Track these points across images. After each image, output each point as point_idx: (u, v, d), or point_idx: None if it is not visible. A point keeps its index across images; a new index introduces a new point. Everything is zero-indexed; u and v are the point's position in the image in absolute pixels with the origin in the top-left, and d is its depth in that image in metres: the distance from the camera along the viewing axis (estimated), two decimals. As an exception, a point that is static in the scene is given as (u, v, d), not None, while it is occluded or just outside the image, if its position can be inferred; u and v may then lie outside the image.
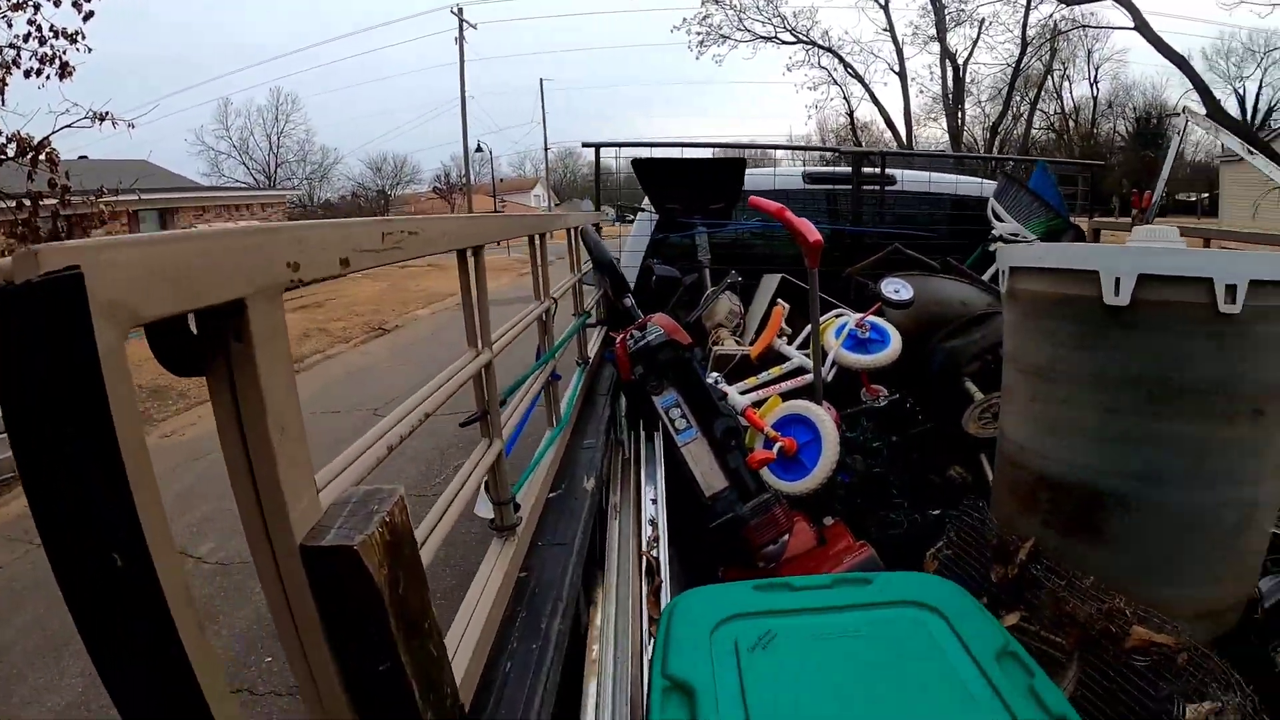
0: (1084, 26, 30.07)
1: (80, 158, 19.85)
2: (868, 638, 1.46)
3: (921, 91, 34.29)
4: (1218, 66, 46.82)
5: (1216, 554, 1.93)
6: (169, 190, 26.54)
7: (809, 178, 5.02)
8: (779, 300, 3.98)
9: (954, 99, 32.09)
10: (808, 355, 3.47)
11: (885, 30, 32.34)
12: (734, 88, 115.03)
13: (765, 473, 2.84)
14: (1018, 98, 35.94)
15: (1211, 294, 1.76)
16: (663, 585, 2.19)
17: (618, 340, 3.15)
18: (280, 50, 77.60)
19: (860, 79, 32.76)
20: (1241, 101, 49.88)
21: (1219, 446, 1.87)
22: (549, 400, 2.54)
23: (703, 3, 30.24)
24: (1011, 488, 2.24)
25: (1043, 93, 43.97)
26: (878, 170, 5.01)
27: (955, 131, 32.12)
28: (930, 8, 30.95)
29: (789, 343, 3.78)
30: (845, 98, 34.06)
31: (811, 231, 3.02)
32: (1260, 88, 47.49)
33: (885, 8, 31.94)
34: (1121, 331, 1.89)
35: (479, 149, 40.00)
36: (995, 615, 1.68)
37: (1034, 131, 49.99)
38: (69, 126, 8.33)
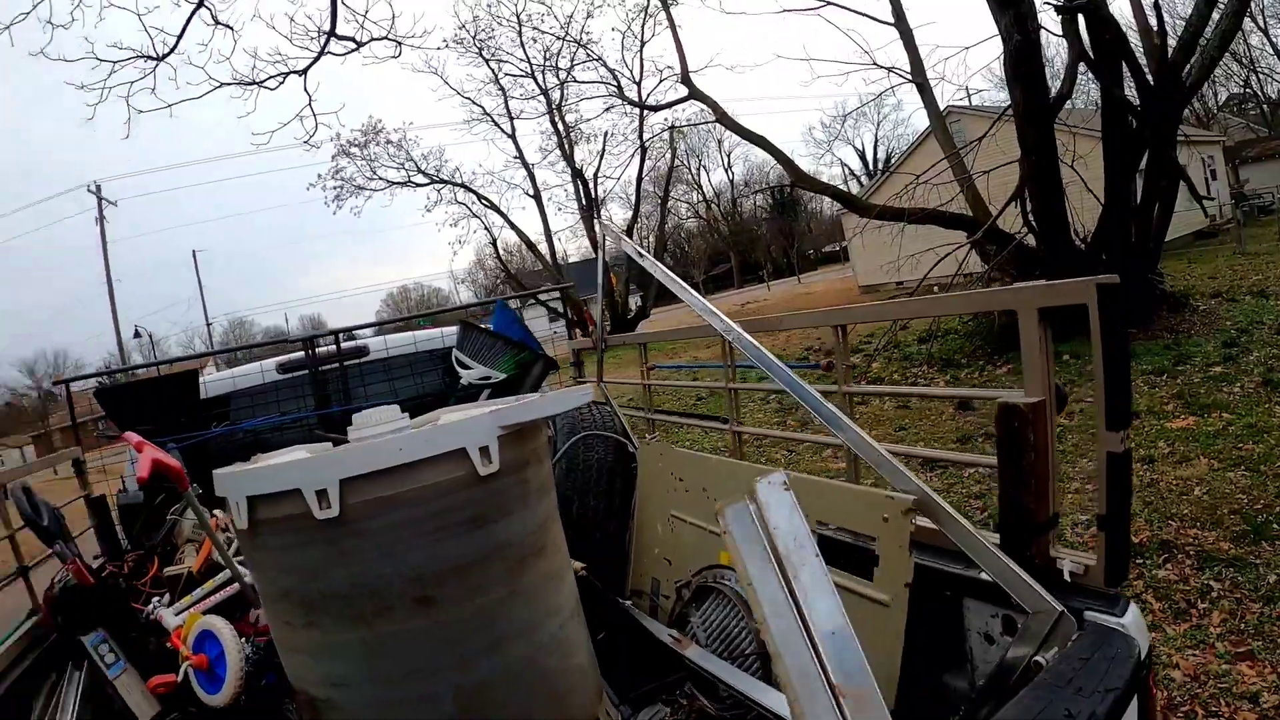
0: (690, 125, 33.70)
1: None
2: None
3: (560, 209, 36.38)
4: (833, 130, 54.91)
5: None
6: None
7: (282, 368, 5.06)
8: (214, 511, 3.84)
9: (589, 211, 34.40)
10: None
11: (516, 158, 34.42)
12: (393, 230, 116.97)
13: (196, 688, 2.85)
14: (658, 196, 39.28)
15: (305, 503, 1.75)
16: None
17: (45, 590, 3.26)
18: None
19: (495, 208, 34.34)
20: (862, 155, 59.08)
21: (390, 642, 1.86)
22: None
23: (333, 157, 30.77)
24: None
25: (684, 185, 48.18)
26: (359, 345, 5.26)
27: (595, 241, 34.05)
28: (553, 131, 33.25)
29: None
30: (486, 228, 35.42)
31: (143, 465, 2.96)
32: (876, 141, 56.37)
33: (513, 136, 33.96)
34: (255, 553, 1.95)
35: (137, 334, 37.21)
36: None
37: (684, 220, 54.49)
38: None
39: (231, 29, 11.15)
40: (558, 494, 3.71)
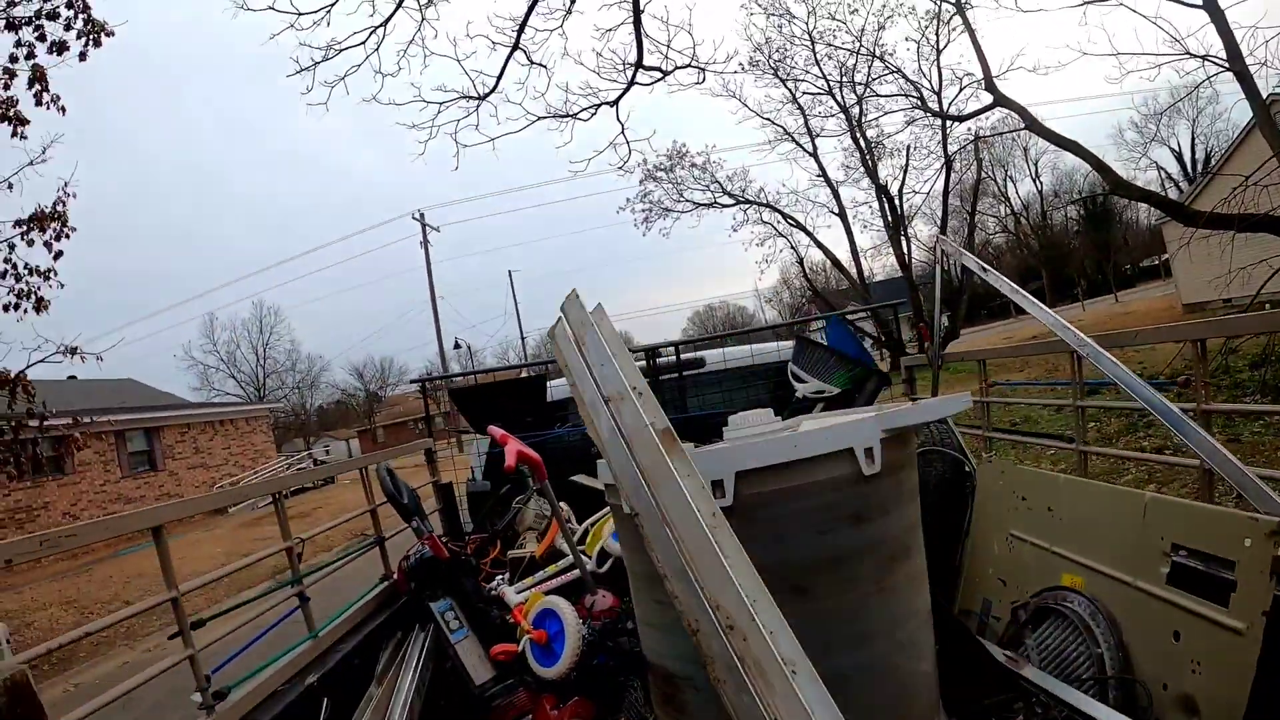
0: (995, 134, 31.17)
1: (69, 378, 20.81)
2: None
3: (865, 227, 35.50)
4: (1148, 130, 49.28)
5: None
6: (153, 409, 27.38)
7: None
8: (561, 503, 4.24)
9: (895, 229, 33.03)
10: (585, 552, 3.93)
11: (819, 176, 33.69)
12: (699, 249, 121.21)
13: (530, 660, 3.25)
14: (966, 211, 37.02)
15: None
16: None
17: (399, 561, 3.88)
18: (261, 264, 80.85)
19: (802, 226, 33.95)
20: (1179, 156, 52.44)
21: None
22: (306, 616, 3.32)
23: (641, 181, 31.69)
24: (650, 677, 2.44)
25: (990, 198, 45.16)
26: (697, 356, 5.64)
27: (902, 259, 33.09)
28: (854, 147, 32.31)
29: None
30: (792, 246, 35.06)
31: (511, 455, 3.51)
32: (1194, 139, 49.99)
33: (815, 155, 33.45)
34: (632, 534, 2.03)
35: (457, 345, 40.80)
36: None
37: (991, 235, 51.10)
38: (42, 361, 8.89)
39: (545, 67, 11.94)
40: None
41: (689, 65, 12.94)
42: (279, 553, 3.34)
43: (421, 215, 40.27)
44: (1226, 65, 13.22)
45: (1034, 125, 15.86)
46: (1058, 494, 2.99)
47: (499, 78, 11.72)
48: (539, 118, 12.85)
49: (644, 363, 5.39)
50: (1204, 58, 13.54)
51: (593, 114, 12.93)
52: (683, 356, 5.62)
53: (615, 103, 12.82)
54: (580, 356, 1.71)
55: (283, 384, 58.29)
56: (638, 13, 11.59)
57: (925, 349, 4.66)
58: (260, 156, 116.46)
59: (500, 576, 3.93)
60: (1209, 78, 15.02)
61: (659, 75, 12.66)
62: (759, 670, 1.17)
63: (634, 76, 12.47)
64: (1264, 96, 13.68)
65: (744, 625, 1.19)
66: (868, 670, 2.03)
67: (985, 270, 3.53)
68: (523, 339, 52.08)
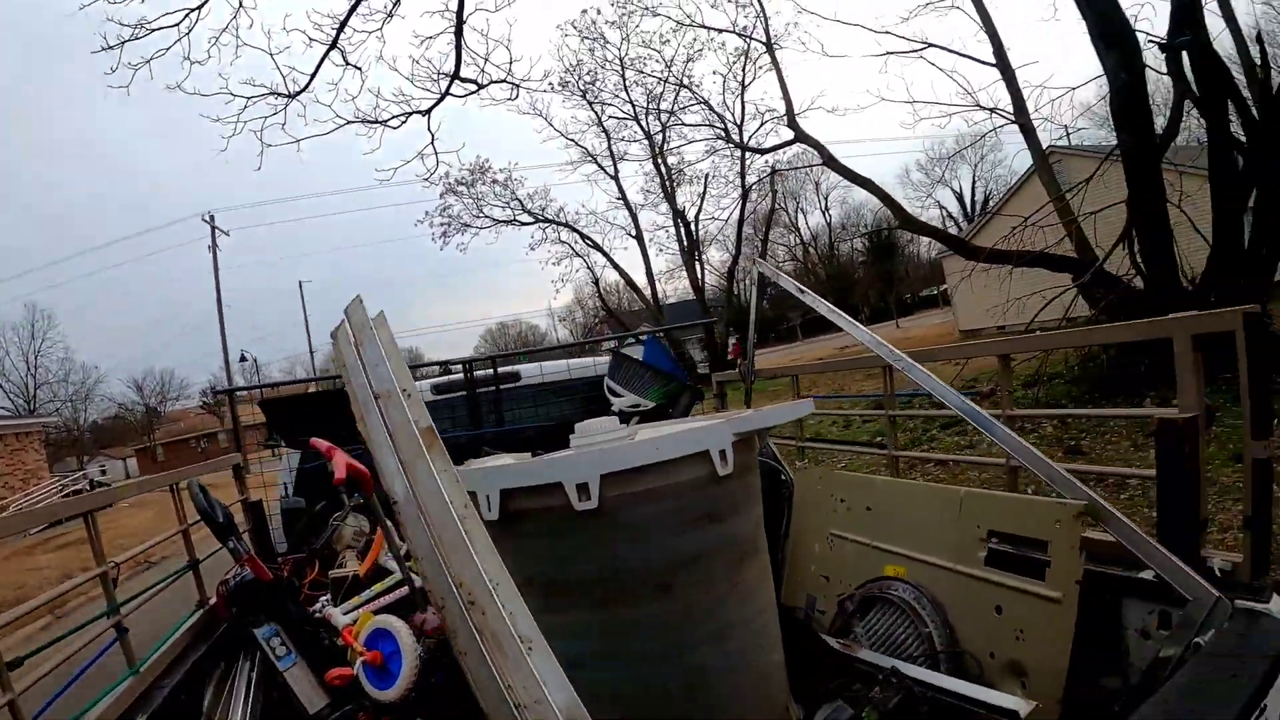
0: (792, 168, 33.61)
1: None
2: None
3: (661, 250, 36.70)
4: (934, 173, 54.08)
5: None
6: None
7: (437, 389, 5.46)
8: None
9: (690, 253, 34.50)
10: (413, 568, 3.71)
11: (619, 198, 34.72)
12: (493, 268, 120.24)
13: (365, 683, 3.08)
14: (759, 239, 39.39)
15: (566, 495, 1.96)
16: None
17: (218, 584, 3.57)
18: (33, 262, 73.21)
19: (599, 248, 34.86)
20: (960, 197, 58.04)
21: (627, 626, 2.08)
22: (126, 650, 3.00)
23: (441, 195, 31.56)
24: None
25: (782, 228, 47.70)
26: (512, 370, 5.66)
27: (696, 283, 34.58)
28: (655, 173, 33.57)
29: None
30: (589, 267, 35.98)
31: (340, 467, 3.34)
32: (974, 182, 55.22)
33: (616, 178, 34.44)
34: (503, 543, 2.04)
35: (243, 358, 39.18)
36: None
37: (781, 264, 54.21)
38: None
39: (360, 70, 11.75)
40: None
41: (504, 80, 13.26)
42: (88, 580, 3.01)
43: (211, 218, 38.32)
44: (1013, 119, 14.75)
45: (831, 162, 17.21)
46: (876, 494, 3.27)
47: (312, 76, 11.50)
48: (348, 121, 12.74)
49: (461, 374, 5.39)
50: (992, 110, 15.14)
51: (403, 122, 12.90)
52: (500, 370, 5.66)
53: (427, 112, 12.80)
54: (357, 356, 1.81)
55: (55, 396, 53.19)
56: (460, 23, 11.58)
57: (738, 365, 4.92)
58: (41, 142, 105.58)
59: (323, 598, 3.74)
60: (995, 129, 16.79)
61: (474, 88, 12.78)
62: (496, 643, 1.22)
63: (449, 87, 12.49)
64: (1044, 147, 15.34)
65: (484, 601, 1.28)
66: (727, 662, 2.15)
67: (802, 291, 3.75)
68: (311, 353, 50.14)
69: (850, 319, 3.19)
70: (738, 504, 2.24)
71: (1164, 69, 11.92)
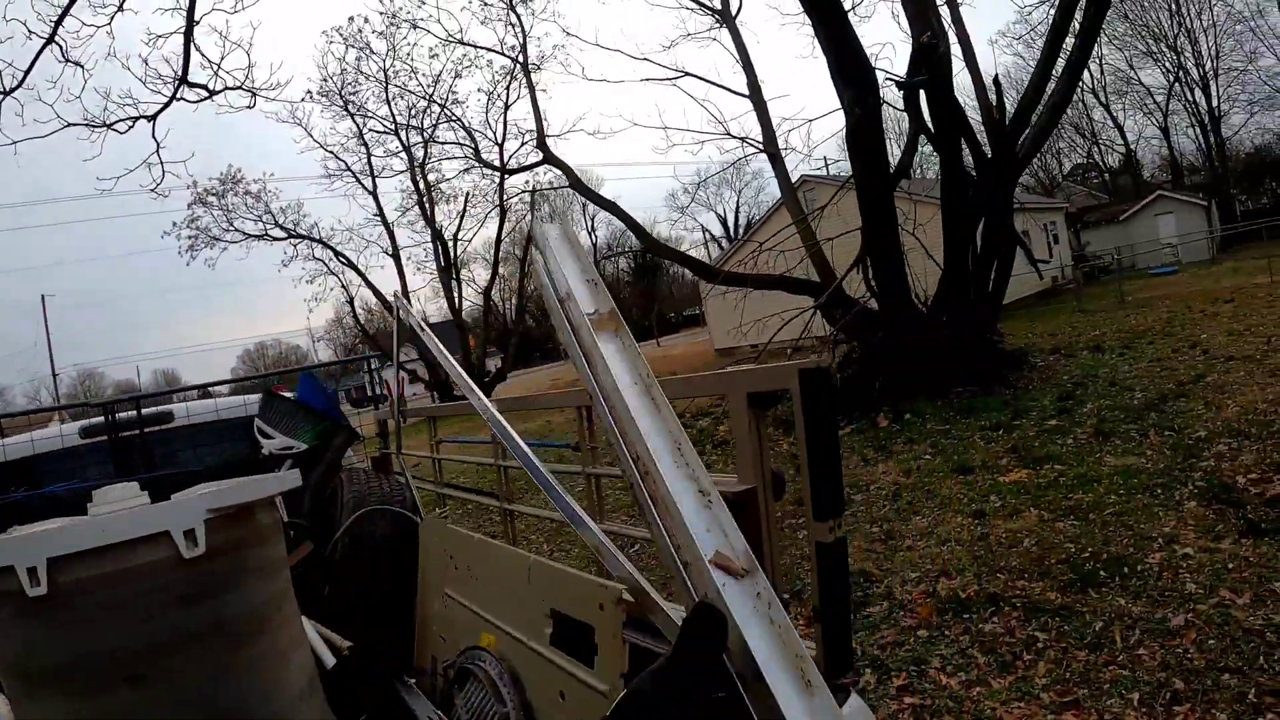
0: (550, 189, 33.63)
1: None
2: None
3: (419, 269, 36.34)
4: (699, 197, 57.17)
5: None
6: None
7: (85, 432, 4.89)
8: None
9: (447, 272, 34.20)
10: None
11: (376, 215, 33.91)
12: (254, 284, 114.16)
13: None
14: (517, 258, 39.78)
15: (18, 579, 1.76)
16: None
17: None
18: None
19: (353, 266, 33.77)
20: (724, 221, 61.66)
21: (105, 718, 1.87)
22: None
23: (189, 205, 29.68)
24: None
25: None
26: (163, 410, 5.11)
27: (453, 304, 34.41)
28: (414, 189, 33.13)
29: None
30: (344, 285, 34.62)
31: None
32: (738, 207, 58.79)
33: (374, 194, 33.62)
34: None
35: None
36: None
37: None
38: None
39: (82, 67, 10.84)
40: (344, 570, 3.67)
41: (239, 88, 12.44)
42: None
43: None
44: (762, 148, 15.41)
45: (578, 185, 17.91)
46: (473, 554, 2.99)
47: (28, 71, 10.39)
48: (70, 124, 11.60)
49: (103, 418, 4.74)
50: (743, 139, 15.72)
51: (130, 126, 11.90)
52: (148, 411, 5.00)
53: (153, 118, 11.89)
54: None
55: None
56: (190, 23, 10.83)
57: (391, 405, 4.53)
58: None
59: None
60: (745, 156, 17.62)
61: (205, 95, 12.10)
62: (664, 507, 1.36)
63: (176, 91, 11.71)
64: (795, 176, 16.35)
65: (653, 472, 1.40)
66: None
67: (422, 329, 3.53)
68: (54, 375, 44.23)
69: (455, 364, 2.84)
70: (223, 584, 2.00)
71: (902, 106, 12.64)
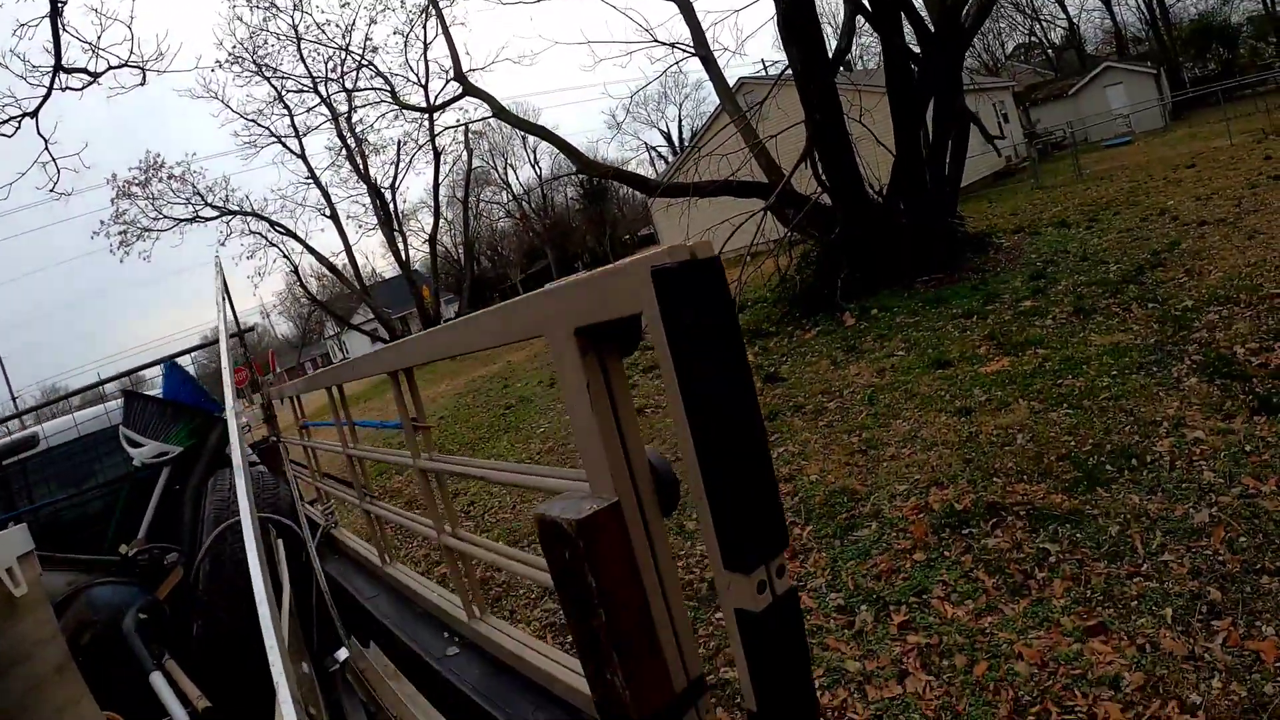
0: (479, 121, 32.83)
1: None
2: None
3: (361, 227, 35.45)
4: (640, 115, 56.02)
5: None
6: None
7: None
8: None
9: (389, 226, 33.31)
10: None
11: (308, 179, 32.90)
12: (202, 270, 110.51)
13: None
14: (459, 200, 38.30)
15: None
16: None
17: None
18: None
19: (292, 234, 32.75)
20: (668, 136, 60.50)
21: None
22: None
23: (113, 200, 28.47)
24: None
25: (493, 186, 47.89)
26: (25, 435, 4.39)
27: (399, 256, 33.62)
28: (343, 146, 32.12)
29: None
30: (285, 255, 33.67)
31: None
32: (680, 121, 57.97)
33: (303, 156, 32.59)
34: None
35: None
36: None
37: (497, 221, 54.57)
38: None
39: None
40: (208, 599, 3.05)
41: (124, 65, 11.30)
42: None
43: None
44: (693, 51, 14.53)
45: (501, 113, 17.24)
46: None
47: None
48: None
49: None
50: (673, 45, 14.77)
51: (17, 129, 10.97)
52: (2, 442, 4.32)
53: (35, 114, 10.91)
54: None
55: None
56: (55, 4, 9.81)
57: (260, 384, 3.81)
58: None
59: None
60: (677, 63, 16.71)
61: (88, 79, 11.03)
62: None
63: (53, 80, 10.68)
64: (733, 79, 15.46)
65: None
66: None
67: (225, 299, 3.12)
68: (14, 397, 43.09)
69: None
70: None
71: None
